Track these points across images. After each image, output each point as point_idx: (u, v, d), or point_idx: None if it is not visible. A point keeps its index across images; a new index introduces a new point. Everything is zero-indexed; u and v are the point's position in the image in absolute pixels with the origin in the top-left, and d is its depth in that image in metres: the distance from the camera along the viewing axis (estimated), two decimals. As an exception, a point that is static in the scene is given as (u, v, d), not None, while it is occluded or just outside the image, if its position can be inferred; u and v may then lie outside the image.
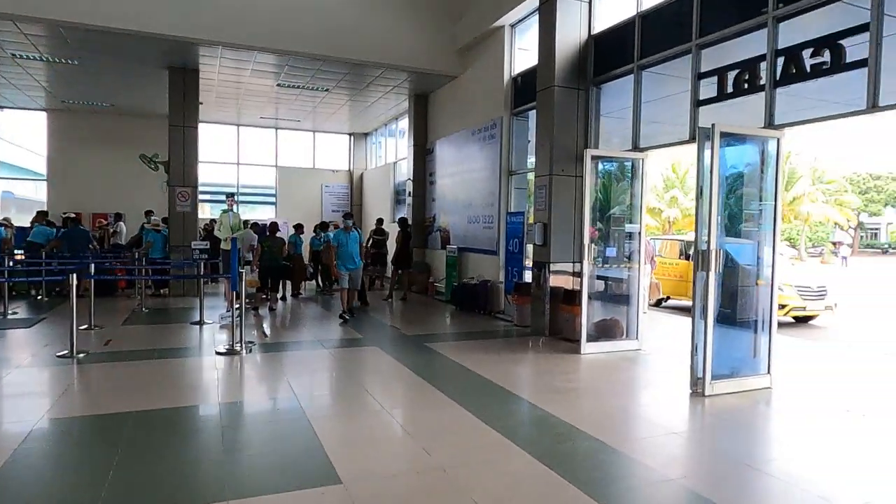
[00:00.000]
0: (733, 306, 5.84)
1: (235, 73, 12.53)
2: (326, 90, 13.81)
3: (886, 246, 50.60)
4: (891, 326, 11.73)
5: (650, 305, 13.76)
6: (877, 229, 53.92)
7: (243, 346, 6.94)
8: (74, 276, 6.59)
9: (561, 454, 3.90)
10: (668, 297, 13.82)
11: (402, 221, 12.36)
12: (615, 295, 7.90)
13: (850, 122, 5.52)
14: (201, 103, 15.06)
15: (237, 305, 7.10)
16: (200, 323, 8.76)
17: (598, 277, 7.90)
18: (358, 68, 11.92)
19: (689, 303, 13.49)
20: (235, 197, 12.11)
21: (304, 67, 11.97)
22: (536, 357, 7.08)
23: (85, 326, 7.95)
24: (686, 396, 5.38)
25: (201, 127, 18.26)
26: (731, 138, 5.53)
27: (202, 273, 9.58)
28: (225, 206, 10.51)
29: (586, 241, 6.97)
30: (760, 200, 5.81)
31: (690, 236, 15.54)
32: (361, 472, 3.54)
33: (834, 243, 44.01)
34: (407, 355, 6.98)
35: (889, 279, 24.26)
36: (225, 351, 6.88)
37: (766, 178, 5.75)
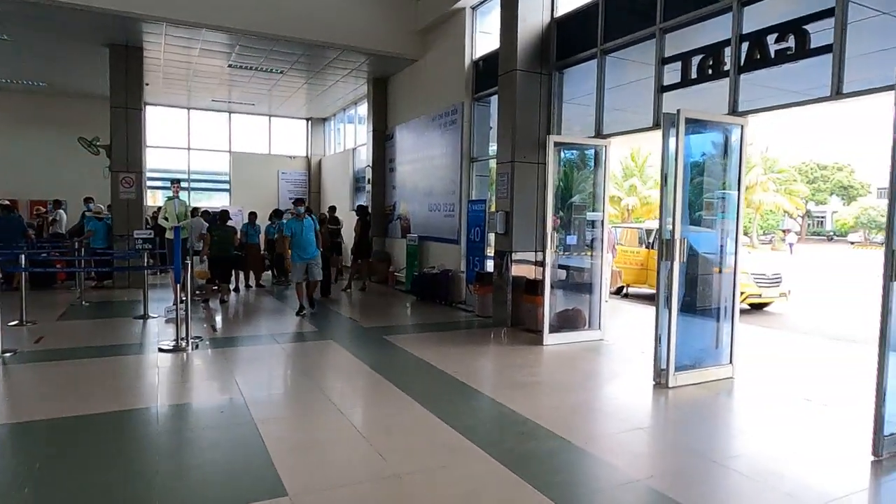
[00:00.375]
0: (695, 295, 5.77)
1: (183, 52, 11.85)
2: (281, 72, 13.24)
3: (831, 233, 52.66)
4: (841, 313, 12.06)
5: (611, 294, 13.82)
6: (822, 217, 56.05)
7: (189, 341, 6.52)
8: (-2, 268, 6.04)
9: (524, 455, 3.71)
10: (628, 286, 13.90)
11: (362, 209, 11.98)
12: (578, 284, 7.78)
13: (800, 112, 5.47)
14: (147, 84, 14.27)
15: (183, 299, 6.66)
16: (145, 317, 8.25)
17: (561, 267, 7.77)
18: (314, 49, 11.43)
19: (649, 291, 13.69)
20: (181, 183, 11.40)
21: (256, 48, 11.40)
22: (498, 349, 6.90)
23: (15, 322, 7.37)
24: (650, 388, 5.28)
25: (149, 110, 17.50)
26: (695, 125, 5.41)
27: (147, 264, 9.04)
28: (170, 193, 9.93)
29: (549, 229, 6.80)
30: (724, 188, 5.73)
31: (649, 224, 15.64)
32: (310, 483, 3.26)
33: (783, 231, 45.58)
34: (364, 349, 6.70)
35: (833, 265, 25.19)
36: (169, 347, 6.45)
37: (729, 166, 5.67)
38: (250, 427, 4.09)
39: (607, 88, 7.30)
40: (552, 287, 7.10)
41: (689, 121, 5.15)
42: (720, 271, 5.84)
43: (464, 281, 9.90)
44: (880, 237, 43.97)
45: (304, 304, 8.64)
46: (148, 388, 5.13)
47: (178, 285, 6.63)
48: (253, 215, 12.50)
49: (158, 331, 7.45)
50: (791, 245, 37.98)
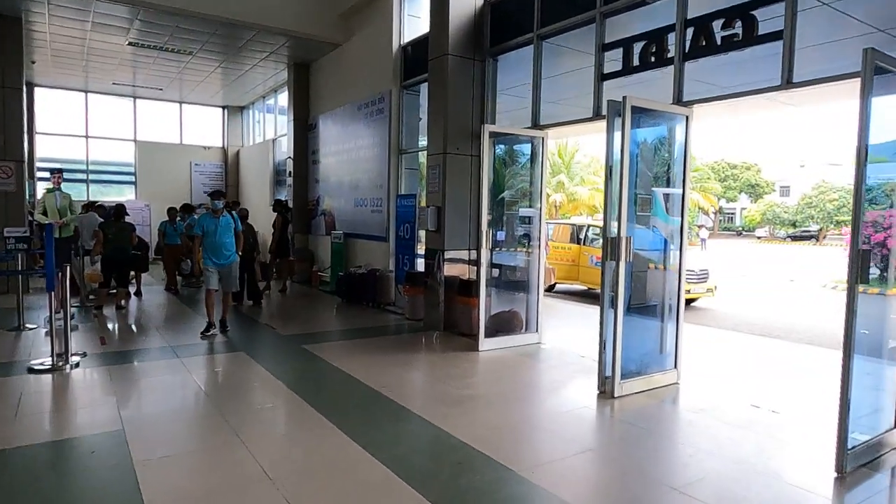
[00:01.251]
0: (639, 297, 5.44)
1: (73, 25, 10.47)
2: (190, 53, 12.04)
3: (740, 229, 55.90)
4: (760, 306, 12.39)
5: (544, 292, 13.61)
6: (732, 213, 59.44)
7: (69, 359, 5.53)
8: None
9: (462, 491, 3.15)
10: (556, 283, 13.74)
11: (280, 205, 11.05)
12: (514, 284, 7.35)
13: (720, 111, 5.28)
14: (33, 62, 12.67)
15: (59, 308, 5.65)
16: (20, 328, 7.08)
17: (496, 265, 7.30)
18: (226, 28, 10.39)
19: (579, 287, 13.62)
20: (64, 174, 10.00)
21: (159, 24, 10.23)
22: (430, 357, 6.33)
23: None
24: (594, 399, 4.88)
25: (40, 92, 15.64)
26: (639, 115, 5.04)
27: (24, 267, 7.79)
28: (50, 185, 8.67)
29: (484, 226, 6.29)
30: (668, 182, 5.42)
31: (579, 220, 15.54)
32: (194, 552, 2.55)
33: (698, 227, 47.92)
34: (281, 363, 5.94)
35: (743, 258, 26.47)
36: (42, 367, 5.43)
37: (674, 160, 5.36)
38: (125, 472, 3.30)
39: (545, 78, 6.87)
40: (487, 288, 6.62)
41: (635, 110, 4.76)
42: (665, 269, 5.54)
43: (393, 281, 9.27)
44: (783, 232, 47.15)
45: (213, 321, 7.02)
46: (5, 420, 4.17)
47: (52, 293, 5.60)
48: (173, 211, 11.26)
49: (33, 346, 6.34)
50: (704, 240, 39.82)
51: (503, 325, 6.91)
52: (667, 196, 5.45)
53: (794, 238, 45.74)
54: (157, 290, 10.72)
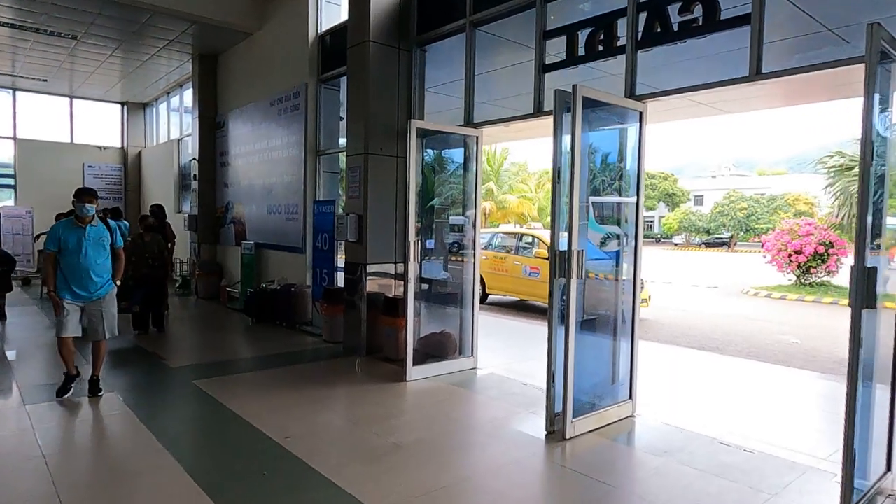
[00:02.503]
0: (590, 318, 4.76)
1: (-83, -4, 8.76)
2: (74, 37, 10.48)
3: (659, 236, 58.15)
4: (693, 316, 12.25)
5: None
6: (652, 221, 61.83)
7: None
8: None
9: None
10: (489, 294, 13.13)
11: (157, 210, 9.53)
12: (446, 301, 6.54)
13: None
14: None
15: None
16: None
17: (426, 280, 6.48)
18: (114, 9, 9.02)
19: (512, 298, 13.05)
20: None
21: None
22: (349, 391, 5.39)
23: None
24: (542, 441, 4.13)
25: None
26: (591, 109, 4.38)
27: None
28: None
29: (411, 235, 5.45)
30: (620, 190, 4.79)
31: (510, 228, 15.02)
32: None
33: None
34: (160, 407, 4.83)
35: (666, 265, 27.07)
36: None
37: (626, 161, 4.74)
38: None
39: (481, 74, 6.13)
40: (416, 306, 5.78)
41: (587, 103, 4.08)
42: (599, 275, 4.89)
43: (310, 298, 8.24)
44: (697, 239, 49.33)
45: (73, 372, 5.01)
46: None
47: None
48: (115, 213, 9.78)
49: None
50: (630, 247, 40.82)
51: (435, 349, 6.08)
52: (601, 204, 4.81)
53: (708, 245, 47.87)
54: (33, 313, 9.11)
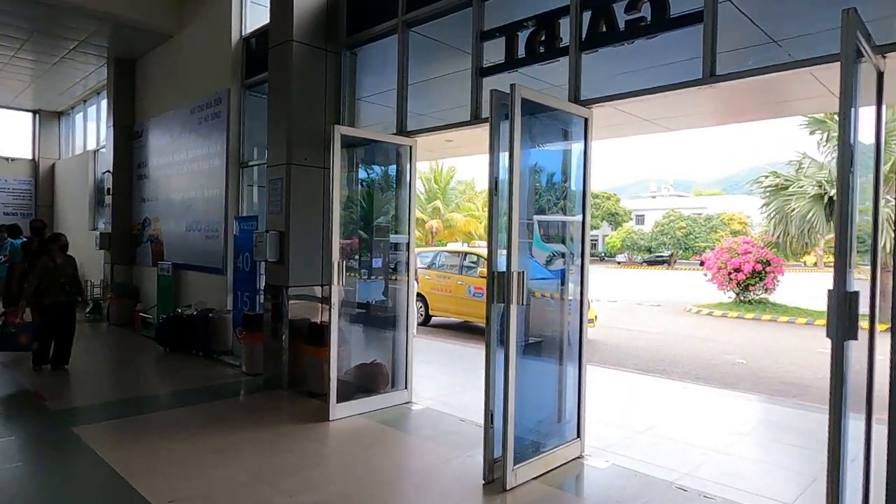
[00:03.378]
0: (534, 343, 4.27)
1: None
2: (-34, 34, 9.39)
3: (603, 254, 59.28)
4: (640, 334, 12.05)
5: (417, 326, 12.33)
6: (595, 240, 63.06)
7: None
8: None
9: None
10: (433, 315, 12.59)
11: (36, 227, 8.16)
12: (381, 327, 5.92)
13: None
14: None
15: None
16: None
17: (361, 305, 5.87)
18: (9, 3, 8.06)
19: (456, 319, 12.53)
20: None
21: None
22: (261, 436, 4.65)
23: None
24: (480, 493, 3.56)
25: None
26: (533, 115, 3.94)
27: None
28: None
29: (335, 255, 4.83)
30: (565, 209, 4.35)
31: (455, 247, 14.56)
32: None
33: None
34: (22, 464, 3.97)
35: (610, 283, 27.28)
36: None
37: (571, 178, 4.30)
38: None
39: (416, 82, 5.62)
40: (344, 333, 5.15)
41: (526, 106, 3.62)
42: (559, 305, 4.43)
43: (230, 324, 7.43)
44: (639, 257, 50.47)
45: None
46: None
47: None
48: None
49: None
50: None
51: (365, 381, 5.44)
52: (546, 223, 4.38)
53: (650, 263, 49.06)
54: None
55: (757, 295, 16.91)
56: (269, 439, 4.51)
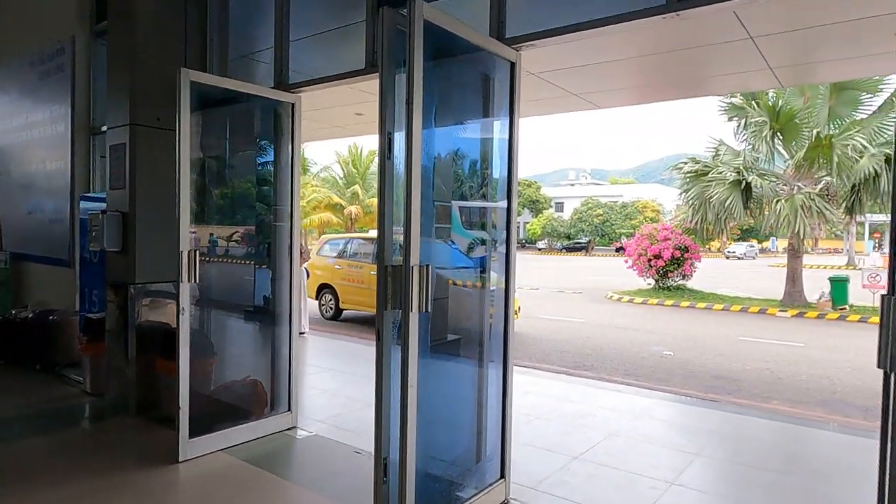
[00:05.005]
0: (445, 352, 3.28)
1: None
2: None
3: (524, 241, 59.85)
4: (564, 324, 11.45)
5: (325, 319, 11.13)
6: (518, 226, 63.58)
7: None
8: None
9: None
10: (344, 309, 11.47)
11: None
12: (256, 333, 4.75)
13: None
14: None
15: None
16: None
17: (227, 304, 4.67)
18: None
19: (370, 313, 11.41)
20: None
21: None
22: (81, 491, 3.38)
23: None
24: (368, 575, 2.53)
25: None
26: (438, 63, 2.91)
27: None
28: None
29: (183, 243, 3.61)
30: (486, 195, 3.37)
31: (364, 234, 13.30)
32: None
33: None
34: None
35: (531, 269, 27.09)
36: None
37: (494, 144, 3.32)
38: None
39: (303, 37, 4.42)
40: (206, 343, 3.96)
41: (431, 33, 2.57)
42: (481, 292, 3.47)
43: (76, 330, 5.95)
44: (559, 244, 51.22)
45: None
46: None
47: None
48: None
49: None
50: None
51: (235, 404, 4.27)
52: (483, 196, 3.40)
53: (569, 249, 49.93)
54: None
55: (675, 281, 16.95)
56: (91, 497, 3.25)
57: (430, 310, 2.51)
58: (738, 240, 47.60)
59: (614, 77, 5.27)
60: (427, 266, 2.50)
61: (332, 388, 5.58)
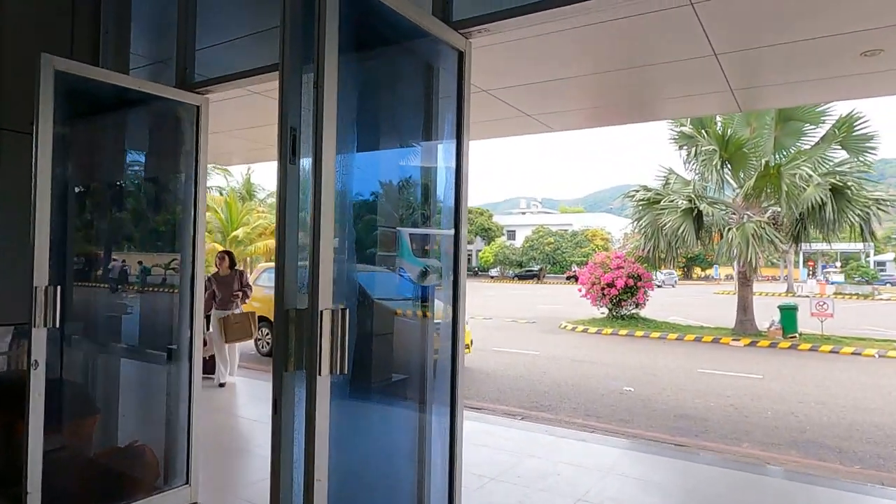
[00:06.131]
0: (383, 375, 2.58)
1: None
2: None
3: (476, 268, 59.69)
4: (518, 359, 10.85)
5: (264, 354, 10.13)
6: (470, 254, 63.51)
7: None
8: None
9: None
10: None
11: None
12: (145, 382, 3.88)
13: None
14: None
15: None
16: None
17: (111, 345, 3.81)
18: None
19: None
20: None
21: None
22: None
23: None
24: None
25: None
26: (371, 55, 2.29)
27: None
28: None
29: (40, 275, 2.79)
30: (429, 220, 2.73)
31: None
32: None
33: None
34: None
35: (483, 298, 26.60)
36: None
37: (438, 154, 2.69)
38: None
39: (210, 31, 3.72)
40: (77, 398, 3.10)
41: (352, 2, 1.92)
42: (428, 347, 2.79)
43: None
44: (511, 272, 51.18)
45: None
46: None
47: None
48: None
49: None
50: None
51: (118, 477, 3.39)
52: (425, 236, 2.76)
53: (521, 277, 49.95)
54: None
55: (629, 310, 16.71)
56: None
57: (346, 371, 1.81)
58: (683, 267, 48.82)
59: (569, 97, 5.08)
60: (344, 310, 1.80)
61: (255, 445, 4.74)
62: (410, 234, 2.83)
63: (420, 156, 2.81)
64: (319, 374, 1.75)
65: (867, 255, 51.05)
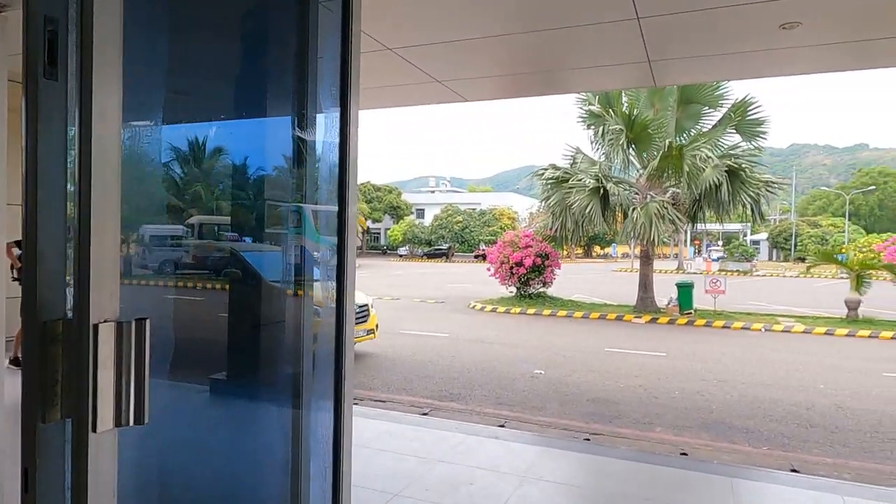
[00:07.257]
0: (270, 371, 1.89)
1: None
2: None
3: (385, 247, 58.91)
4: (430, 342, 10.36)
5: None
6: (378, 233, 62.52)
7: None
8: None
9: None
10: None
11: None
12: None
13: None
14: None
15: None
16: None
17: None
18: None
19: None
20: None
21: None
22: None
23: None
24: None
25: None
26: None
27: None
28: None
29: None
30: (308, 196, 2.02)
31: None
32: None
33: (349, 246, 47.83)
34: None
35: (391, 277, 26.03)
36: None
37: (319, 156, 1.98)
38: None
39: None
40: None
41: None
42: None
43: None
44: (420, 250, 50.92)
45: None
46: None
47: None
48: None
49: None
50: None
51: None
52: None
53: (430, 256, 49.83)
54: None
55: (536, 289, 16.75)
56: None
57: (143, 420, 1.11)
58: (584, 246, 50.73)
59: (480, 63, 4.88)
60: (140, 321, 1.09)
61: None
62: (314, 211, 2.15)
63: (309, 121, 2.09)
64: (93, 430, 1.04)
65: (745, 235, 55.73)
